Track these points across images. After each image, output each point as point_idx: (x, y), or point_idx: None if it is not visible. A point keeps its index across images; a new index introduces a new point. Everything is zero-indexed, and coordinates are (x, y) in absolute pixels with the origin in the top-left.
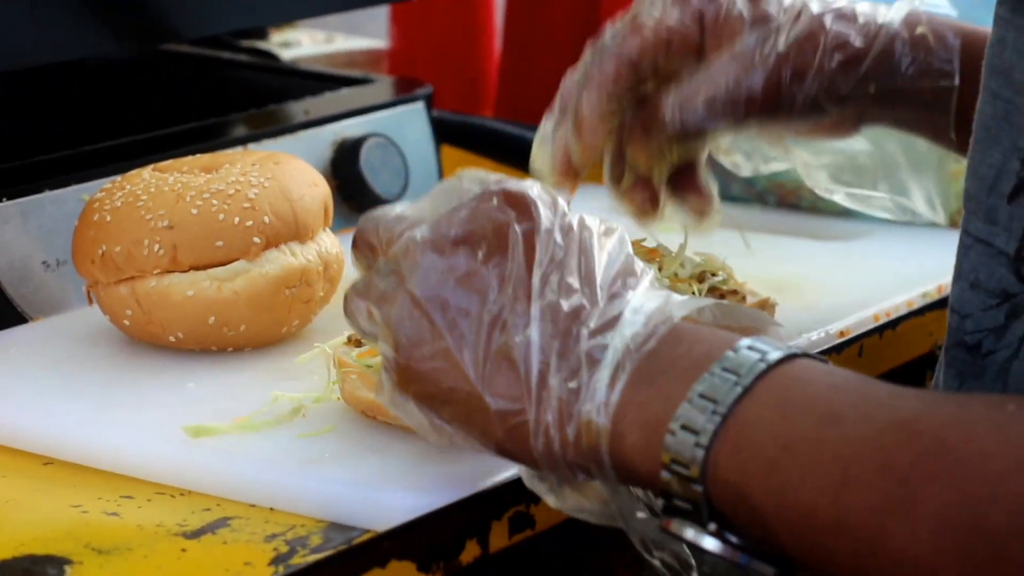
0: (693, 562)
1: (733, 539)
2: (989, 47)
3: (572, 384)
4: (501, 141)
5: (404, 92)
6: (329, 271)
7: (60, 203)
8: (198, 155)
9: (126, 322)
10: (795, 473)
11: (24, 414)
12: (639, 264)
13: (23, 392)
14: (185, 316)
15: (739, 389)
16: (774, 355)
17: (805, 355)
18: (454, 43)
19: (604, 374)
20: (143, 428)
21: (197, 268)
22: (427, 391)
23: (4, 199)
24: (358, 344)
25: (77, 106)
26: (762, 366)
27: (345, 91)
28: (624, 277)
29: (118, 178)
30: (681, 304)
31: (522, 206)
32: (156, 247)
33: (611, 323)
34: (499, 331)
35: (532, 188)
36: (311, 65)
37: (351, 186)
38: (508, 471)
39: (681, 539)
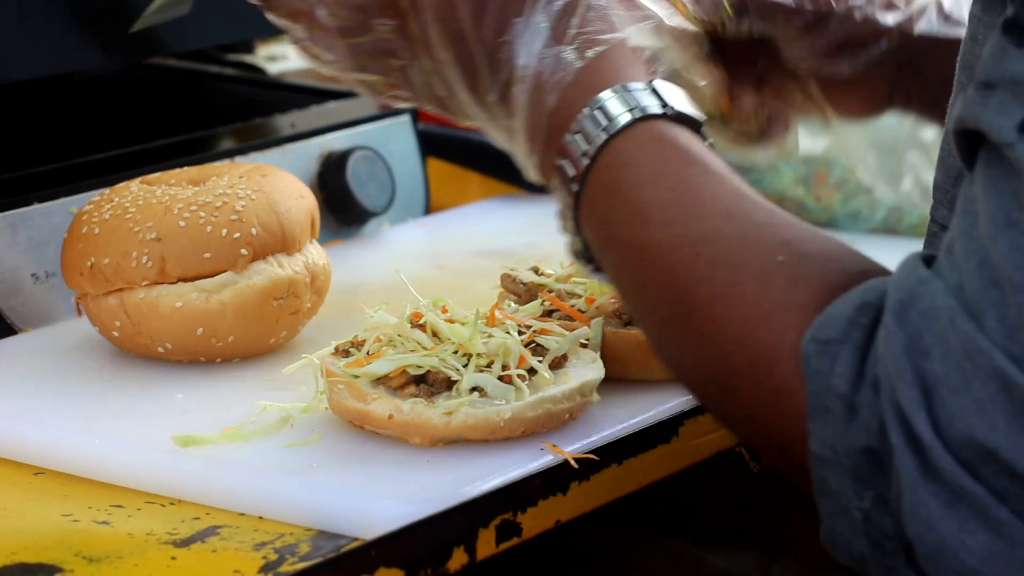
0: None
1: (578, 247)
2: (963, 44)
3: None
4: (486, 153)
5: (390, 105)
6: (316, 283)
7: (49, 215)
8: (186, 168)
9: (115, 333)
10: (611, 267)
11: (14, 424)
12: None
13: (13, 403)
14: (173, 327)
15: (632, 115)
16: (673, 108)
17: (663, 116)
18: None
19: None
20: (133, 438)
21: (185, 280)
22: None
23: None
24: (346, 354)
25: (65, 119)
26: (658, 106)
27: (331, 104)
28: None
29: (106, 191)
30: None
31: None
32: (144, 259)
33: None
34: None
35: None
36: (297, 79)
37: (338, 198)
38: (495, 480)
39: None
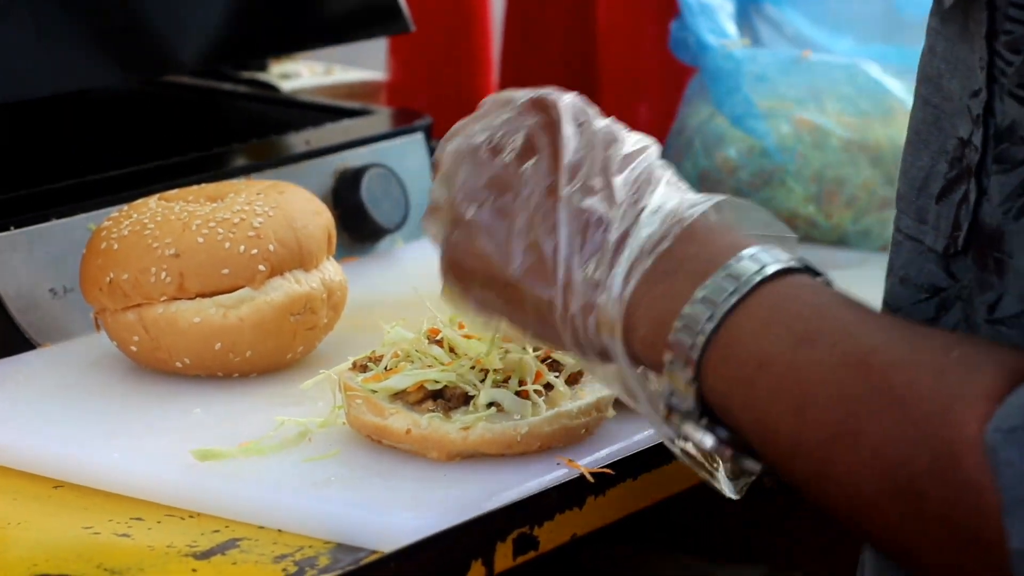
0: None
1: (723, 435)
2: (921, 55)
3: (595, 278)
4: None
5: (404, 123)
6: (332, 298)
7: (67, 231)
8: (203, 184)
9: (133, 348)
10: (765, 392)
11: (34, 438)
12: (660, 167)
13: (32, 416)
14: (191, 342)
15: (733, 299)
16: (771, 268)
17: (805, 269)
18: (451, 74)
19: (620, 270)
20: (151, 452)
21: (203, 295)
22: (471, 286)
23: (12, 227)
24: (363, 370)
25: (83, 136)
26: (757, 278)
27: (346, 122)
28: (646, 179)
29: (125, 207)
30: (695, 203)
31: (551, 112)
32: (163, 275)
33: (630, 223)
34: (529, 228)
35: (563, 95)
36: (312, 96)
37: (352, 215)
38: (512, 494)
39: (678, 431)
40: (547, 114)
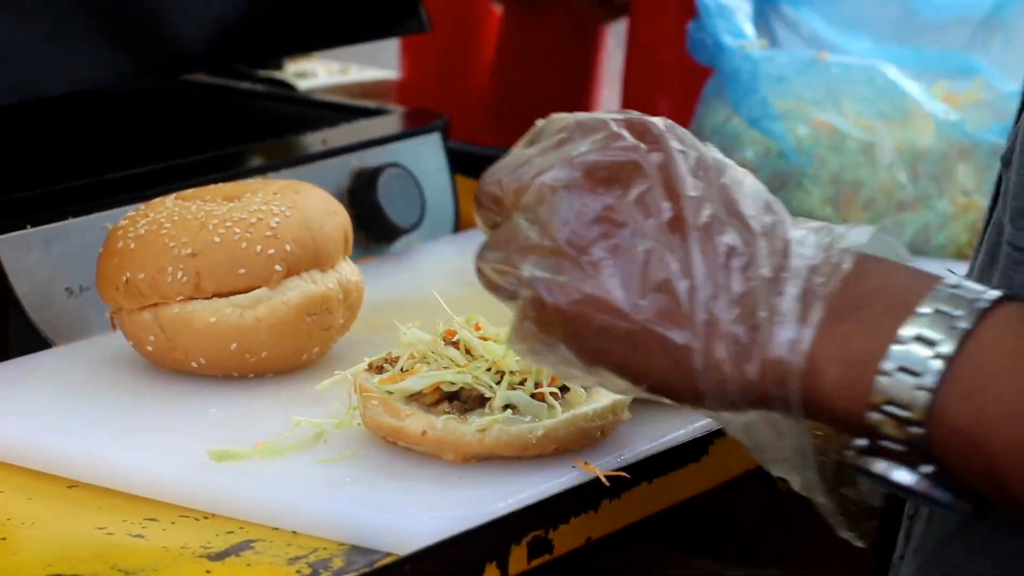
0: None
1: (929, 471)
2: None
3: (750, 320)
4: None
5: (420, 123)
6: (349, 299)
7: (83, 230)
8: (220, 184)
9: (149, 348)
10: (1006, 442)
11: (49, 437)
12: (773, 197)
13: (47, 416)
14: (207, 342)
15: (962, 330)
16: (990, 294)
17: (1012, 296)
18: (463, 73)
19: (790, 308)
20: (166, 452)
21: (220, 295)
22: (578, 332)
23: (28, 226)
24: (379, 371)
25: (98, 135)
26: (983, 305)
27: (362, 121)
28: (767, 209)
29: (141, 206)
30: (851, 234)
31: (651, 137)
32: (180, 274)
33: (778, 257)
34: (655, 266)
35: (656, 120)
36: (327, 95)
37: (368, 215)
38: (527, 497)
39: (877, 475)
40: (649, 140)
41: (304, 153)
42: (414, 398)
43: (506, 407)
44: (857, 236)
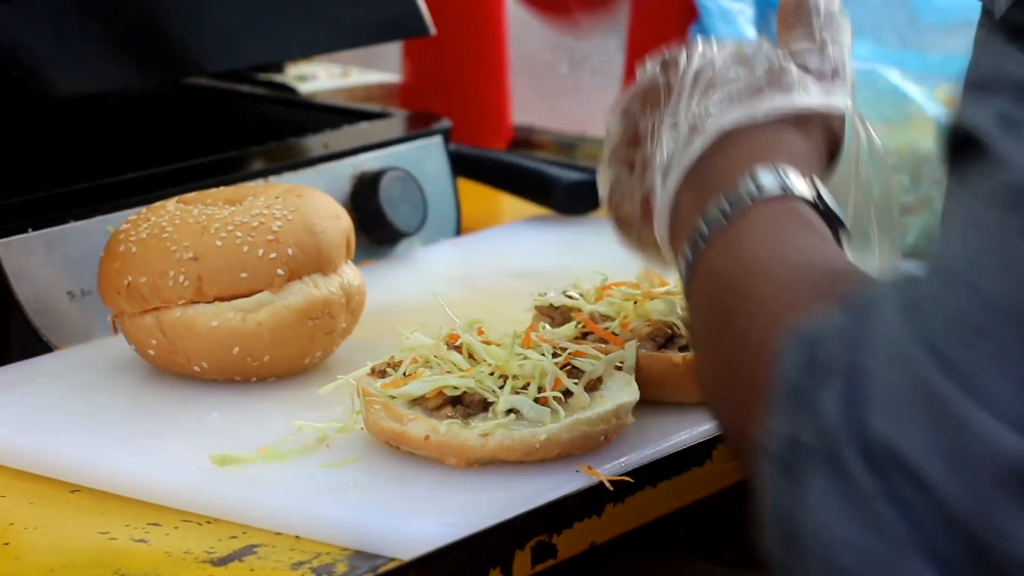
0: None
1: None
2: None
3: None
4: (518, 175)
5: (422, 126)
6: (351, 303)
7: (85, 234)
8: (222, 187)
9: (151, 352)
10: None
11: (51, 442)
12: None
13: (49, 420)
14: (209, 346)
15: (724, 221)
16: (768, 192)
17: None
18: (465, 76)
19: (671, 179)
20: (169, 456)
21: (222, 299)
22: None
23: (29, 230)
24: (382, 375)
25: (101, 138)
26: (747, 201)
27: (363, 125)
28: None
29: (143, 210)
30: (732, 116)
31: (667, 65)
32: (181, 278)
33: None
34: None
35: (682, 49)
36: (329, 99)
37: (370, 219)
38: (531, 501)
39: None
40: (666, 68)
41: (306, 157)
42: (417, 402)
43: (509, 411)
44: (737, 117)
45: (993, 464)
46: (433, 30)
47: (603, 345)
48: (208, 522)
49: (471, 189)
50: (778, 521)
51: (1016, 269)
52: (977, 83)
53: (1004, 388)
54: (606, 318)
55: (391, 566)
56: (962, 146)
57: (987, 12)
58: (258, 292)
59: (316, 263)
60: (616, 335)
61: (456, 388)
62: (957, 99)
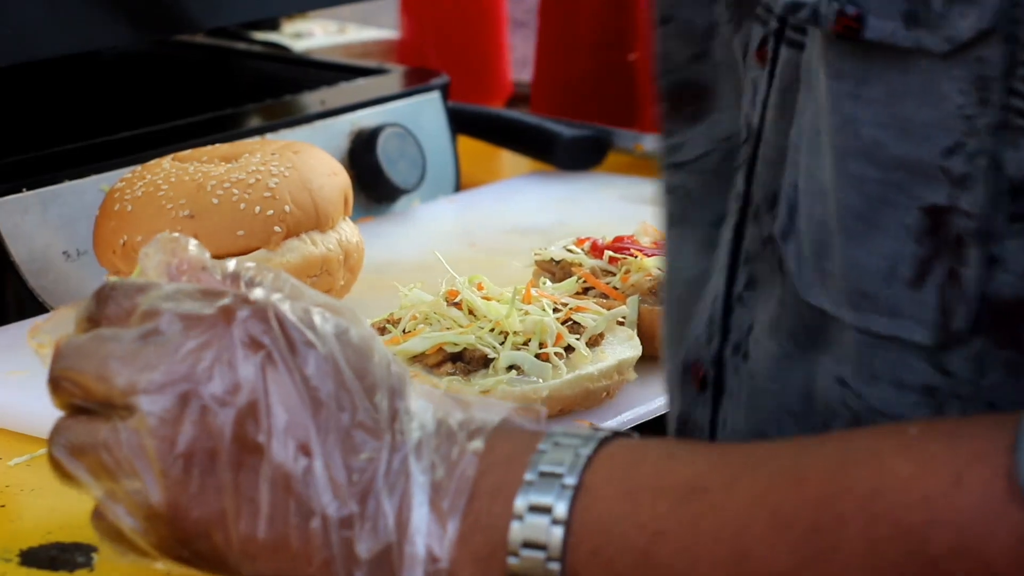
0: None
1: None
2: (832, 134)
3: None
4: (516, 130)
5: (420, 82)
6: (349, 260)
7: (79, 193)
8: (217, 145)
9: None
10: (677, 560)
11: (46, 404)
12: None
13: (45, 382)
14: None
15: (571, 487)
16: (595, 437)
17: (613, 434)
18: (463, 32)
19: (417, 552)
20: None
21: (218, 257)
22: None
23: (24, 189)
24: (381, 332)
25: (94, 97)
26: (587, 452)
27: (360, 81)
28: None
29: (138, 168)
30: (479, 417)
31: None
32: None
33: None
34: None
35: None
36: (325, 55)
37: (368, 176)
38: None
39: None
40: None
41: (303, 113)
42: (417, 359)
43: (510, 368)
44: (487, 417)
45: None
46: None
47: (604, 301)
48: None
49: (470, 146)
50: None
51: None
52: None
53: None
54: (607, 273)
55: None
56: None
57: None
58: (255, 250)
59: (313, 220)
60: (617, 290)
61: (456, 344)
62: None
